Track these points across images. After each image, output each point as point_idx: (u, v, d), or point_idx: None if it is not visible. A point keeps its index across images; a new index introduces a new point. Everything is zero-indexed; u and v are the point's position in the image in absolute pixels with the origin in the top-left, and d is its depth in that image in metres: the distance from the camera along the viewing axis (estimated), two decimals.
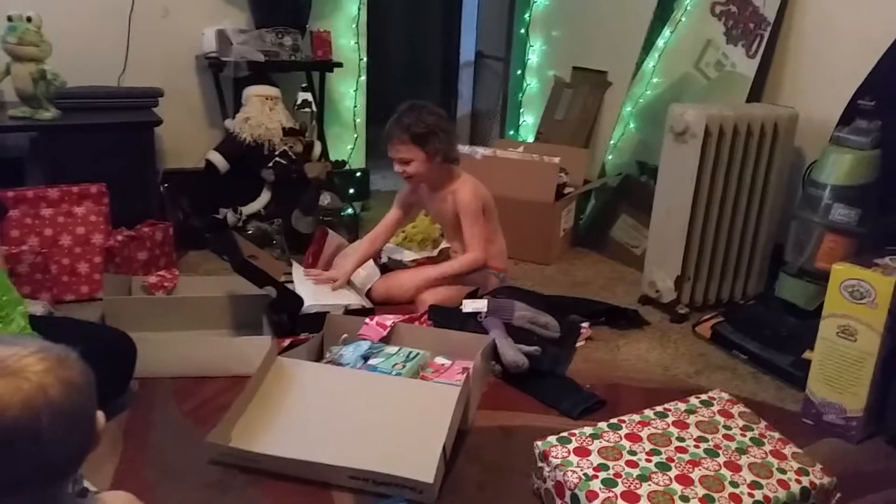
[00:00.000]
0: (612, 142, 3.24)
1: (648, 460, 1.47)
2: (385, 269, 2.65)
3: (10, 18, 2.55)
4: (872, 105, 2.12)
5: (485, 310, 2.22)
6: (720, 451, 1.50)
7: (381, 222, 2.62)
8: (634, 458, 1.47)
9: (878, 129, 2.11)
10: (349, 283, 2.50)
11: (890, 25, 2.09)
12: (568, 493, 1.41)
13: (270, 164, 2.96)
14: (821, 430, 1.84)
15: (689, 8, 2.95)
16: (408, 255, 2.67)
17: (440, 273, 2.46)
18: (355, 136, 3.67)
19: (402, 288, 2.49)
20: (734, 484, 1.41)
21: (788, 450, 1.53)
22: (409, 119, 2.37)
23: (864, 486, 1.64)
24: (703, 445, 1.52)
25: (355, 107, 3.63)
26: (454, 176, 2.50)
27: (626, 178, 3.16)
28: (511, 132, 4.15)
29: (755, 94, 2.74)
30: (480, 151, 3.07)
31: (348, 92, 3.61)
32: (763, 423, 1.62)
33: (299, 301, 2.19)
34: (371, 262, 2.61)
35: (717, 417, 1.62)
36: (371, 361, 1.93)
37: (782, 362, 2.10)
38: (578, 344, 2.27)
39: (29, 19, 2.56)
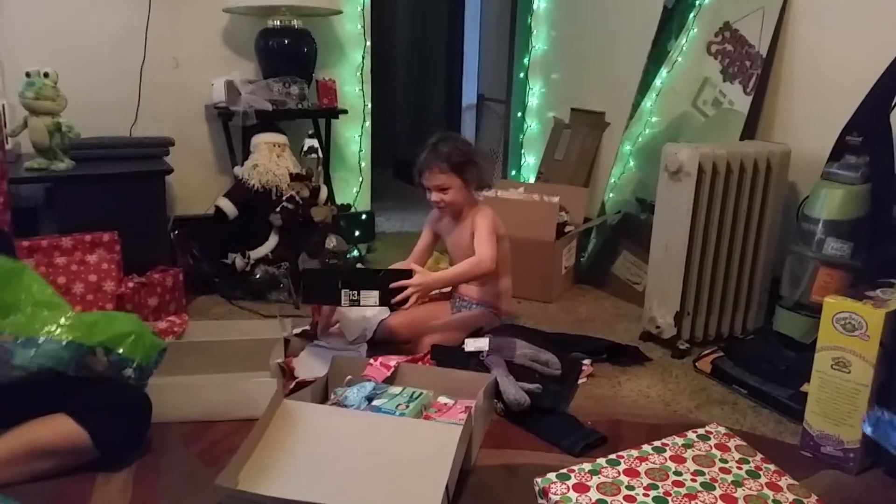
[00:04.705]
0: (611, 180, 3.30)
1: (646, 495, 1.50)
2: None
3: (28, 74, 2.65)
4: (860, 141, 2.17)
5: (486, 348, 2.26)
6: (716, 485, 1.53)
7: (417, 246, 2.67)
8: (632, 492, 1.50)
9: (867, 165, 2.16)
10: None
11: (874, 64, 2.16)
12: None
13: (278, 209, 3.03)
14: (819, 461, 1.85)
15: (685, 49, 3.03)
16: None
17: (444, 279, 2.38)
18: (360, 179, 3.76)
19: (419, 322, 2.51)
20: None
21: (784, 482, 1.55)
22: (446, 148, 2.43)
23: None
24: (700, 479, 1.55)
25: (360, 151, 3.73)
26: (477, 204, 2.57)
27: (626, 216, 3.21)
28: (513, 172, 4.23)
29: (750, 130, 2.80)
30: (482, 192, 3.13)
31: (353, 137, 3.71)
32: (759, 456, 1.64)
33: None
34: None
35: (714, 451, 1.65)
36: (375, 402, 1.96)
37: (781, 395, 2.12)
38: (580, 381, 2.30)
39: (46, 75, 2.67)
